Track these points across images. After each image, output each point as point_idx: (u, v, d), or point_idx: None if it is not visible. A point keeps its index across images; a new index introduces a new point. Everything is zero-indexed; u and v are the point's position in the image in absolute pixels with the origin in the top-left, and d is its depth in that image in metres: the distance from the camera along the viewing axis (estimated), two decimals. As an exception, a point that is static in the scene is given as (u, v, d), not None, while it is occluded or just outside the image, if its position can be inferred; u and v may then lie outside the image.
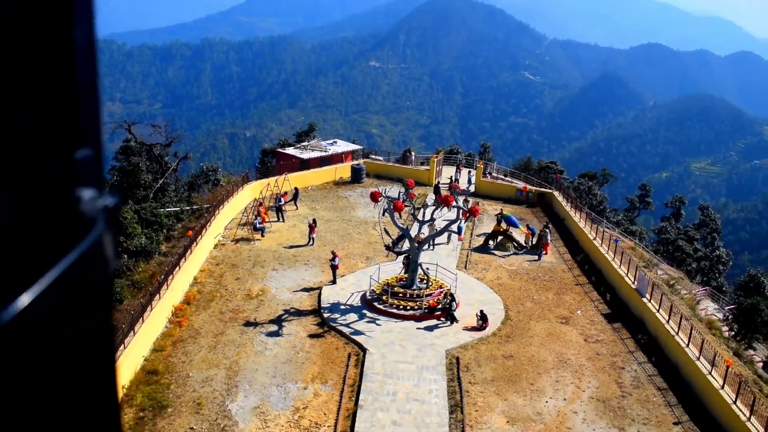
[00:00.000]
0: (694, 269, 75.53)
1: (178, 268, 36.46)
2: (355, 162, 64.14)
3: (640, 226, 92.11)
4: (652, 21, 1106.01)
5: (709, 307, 52.84)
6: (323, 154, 64.81)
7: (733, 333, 46.09)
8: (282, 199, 50.07)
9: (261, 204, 49.36)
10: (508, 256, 45.79)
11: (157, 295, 33.25)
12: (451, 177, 62.67)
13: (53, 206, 1.16)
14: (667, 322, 34.56)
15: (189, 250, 38.35)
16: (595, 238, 47.05)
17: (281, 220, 49.06)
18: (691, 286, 54.32)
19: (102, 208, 1.22)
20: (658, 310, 35.88)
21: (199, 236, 40.59)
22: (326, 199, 55.84)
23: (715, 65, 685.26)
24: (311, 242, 44.97)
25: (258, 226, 45.77)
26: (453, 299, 35.95)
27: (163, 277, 35.06)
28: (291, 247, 44.53)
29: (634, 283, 39.33)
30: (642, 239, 76.62)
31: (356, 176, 60.92)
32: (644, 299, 37.26)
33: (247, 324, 34.58)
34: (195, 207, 52.77)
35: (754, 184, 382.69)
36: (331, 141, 72.36)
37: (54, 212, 1.16)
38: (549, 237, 46.70)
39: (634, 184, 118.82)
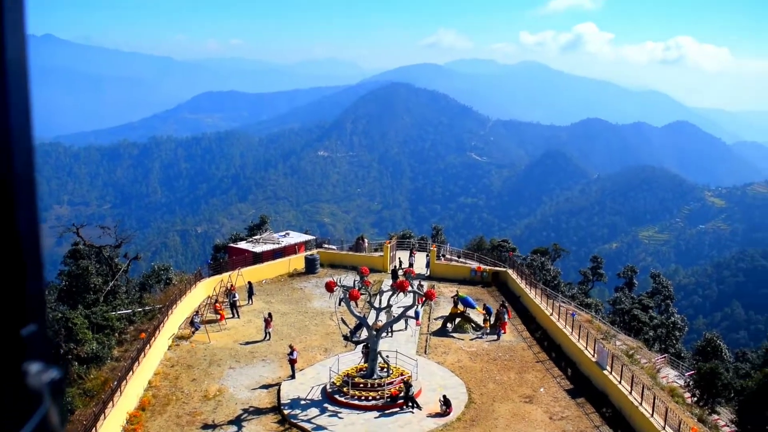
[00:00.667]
0: (652, 337, 76.01)
1: (131, 372, 35.41)
2: (309, 252, 63.90)
3: (595, 298, 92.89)
4: (591, 97, 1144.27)
5: (670, 375, 52.99)
6: (276, 246, 64.45)
7: (695, 399, 46.12)
8: (236, 294, 49.43)
9: (217, 301, 48.60)
10: (473, 339, 45.59)
11: (110, 403, 32.13)
12: (400, 262, 62.68)
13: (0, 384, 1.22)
14: (630, 393, 34.49)
15: (142, 353, 37.38)
16: (552, 314, 47.17)
17: (236, 316, 48.31)
18: (650, 355, 54.53)
19: (48, 382, 1.28)
20: (620, 382, 35.83)
21: (153, 338, 39.65)
22: (281, 291, 55.29)
23: (653, 136, 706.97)
24: (268, 337, 44.24)
25: (195, 323, 44.90)
26: (410, 385, 35.47)
27: (116, 383, 33.97)
28: (247, 343, 43.73)
29: (594, 356, 39.34)
30: (598, 311, 77.16)
31: (310, 267, 60.59)
32: (605, 372, 37.20)
33: (205, 427, 33.55)
34: (147, 308, 51.77)
35: (701, 248, 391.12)
36: (283, 233, 72.19)
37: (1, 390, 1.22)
38: (506, 316, 46.69)
39: (585, 256, 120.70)
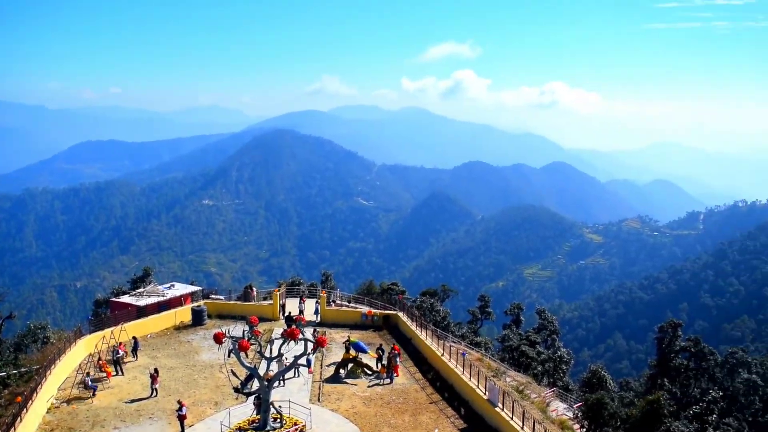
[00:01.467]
0: (540, 372, 77.71)
1: (6, 440, 33.29)
2: (196, 304, 62.22)
3: (485, 336, 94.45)
4: (472, 141, 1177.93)
5: (559, 407, 54.11)
6: (161, 299, 62.50)
7: (584, 430, 47.20)
8: (119, 350, 47.45)
9: (100, 359, 46.48)
10: (371, 385, 45.29)
11: (-15, 475, 30.10)
12: (290, 312, 61.98)
13: None
14: (522, 428, 34.95)
15: (18, 419, 35.15)
16: (443, 354, 47.54)
17: (120, 373, 46.33)
18: (540, 389, 55.67)
19: None
20: (512, 418, 36.27)
21: (30, 401, 37.40)
22: (167, 345, 53.46)
23: (532, 176, 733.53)
24: (154, 393, 42.55)
25: (90, 384, 42.84)
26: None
27: (-10, 452, 31.90)
28: (133, 401, 41.88)
29: (485, 393, 39.76)
30: (488, 349, 78.40)
31: (197, 318, 59.00)
32: (497, 408, 37.62)
33: (90, 493, 31.83)
34: (23, 370, 48.94)
35: (582, 283, 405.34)
36: (168, 285, 70.12)
37: None
38: (398, 359, 46.71)
39: (473, 295, 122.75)
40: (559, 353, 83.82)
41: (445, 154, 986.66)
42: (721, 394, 78.77)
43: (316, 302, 63.57)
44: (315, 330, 52.97)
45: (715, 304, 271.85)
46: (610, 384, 79.44)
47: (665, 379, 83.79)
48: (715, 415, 72.60)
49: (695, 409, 71.97)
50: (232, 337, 36.06)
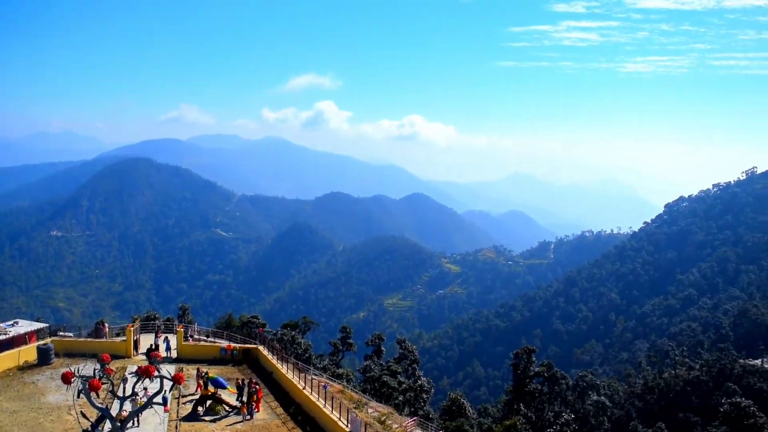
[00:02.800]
0: (402, 402, 78.24)
1: None
2: (42, 342, 58.84)
3: (346, 367, 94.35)
4: (333, 172, 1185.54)
5: (419, 437, 54.51)
6: (2, 337, 58.72)
7: (444, 458, 47.80)
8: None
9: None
10: (220, 419, 44.12)
11: None
12: (151, 345, 59.81)
13: None
14: (384, 459, 35.02)
15: None
16: (304, 388, 47.08)
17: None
18: (401, 419, 55.91)
19: None
20: (374, 450, 36.27)
21: None
22: (9, 387, 50.18)
23: (392, 207, 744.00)
24: (-7, 442, 39.84)
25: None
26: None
27: None
28: (-31, 451, 39.06)
29: (348, 426, 39.61)
30: (349, 381, 78.25)
31: (44, 357, 55.72)
32: (359, 441, 37.52)
33: None
34: None
35: (441, 312, 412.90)
36: (10, 322, 65.93)
37: None
38: (258, 394, 45.87)
39: (335, 327, 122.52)
40: (419, 382, 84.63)
41: (307, 184, 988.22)
42: (573, 416, 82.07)
43: (165, 339, 61.55)
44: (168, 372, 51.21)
45: (566, 330, 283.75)
46: (469, 411, 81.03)
47: (521, 404, 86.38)
48: (567, 437, 75.36)
49: (550, 431, 74.50)
50: (81, 376, 34.29)
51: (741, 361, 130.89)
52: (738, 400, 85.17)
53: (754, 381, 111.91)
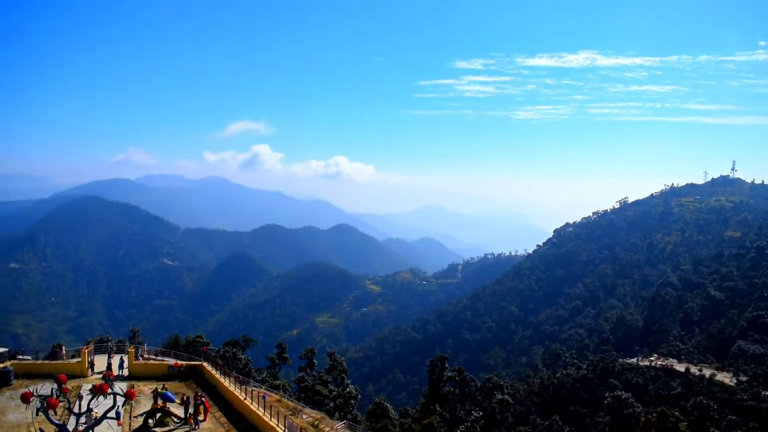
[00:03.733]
0: (332, 407, 77.44)
1: None
2: (2, 365, 56.04)
3: (283, 379, 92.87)
4: (268, 206, 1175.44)
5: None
6: (-36, 364, 55.70)
7: (371, 456, 47.36)
8: None
9: None
10: (170, 431, 42.68)
11: None
12: (110, 363, 57.64)
13: None
14: (318, 459, 34.44)
15: None
16: (245, 399, 46.12)
17: None
18: (333, 423, 55.24)
19: None
20: (308, 451, 35.64)
21: None
22: (-29, 410, 47.53)
23: (320, 237, 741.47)
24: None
25: None
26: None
27: None
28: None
29: (285, 430, 38.90)
30: (286, 391, 77.02)
31: (3, 379, 52.98)
32: (296, 444, 36.86)
33: None
34: None
35: (365, 327, 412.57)
36: (-28, 350, 62.70)
37: None
38: (204, 405, 44.65)
39: (272, 343, 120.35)
40: (347, 390, 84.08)
41: (244, 218, 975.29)
42: (481, 413, 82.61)
43: (120, 359, 59.50)
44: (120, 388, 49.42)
45: (474, 339, 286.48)
46: (392, 413, 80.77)
47: (437, 405, 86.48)
48: (477, 432, 75.72)
49: (462, 428, 74.73)
50: (40, 396, 32.74)
51: (620, 360, 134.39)
52: (619, 393, 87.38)
53: (632, 377, 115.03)
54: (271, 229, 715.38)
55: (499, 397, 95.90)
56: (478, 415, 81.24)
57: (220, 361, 61.79)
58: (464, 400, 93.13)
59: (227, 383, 50.78)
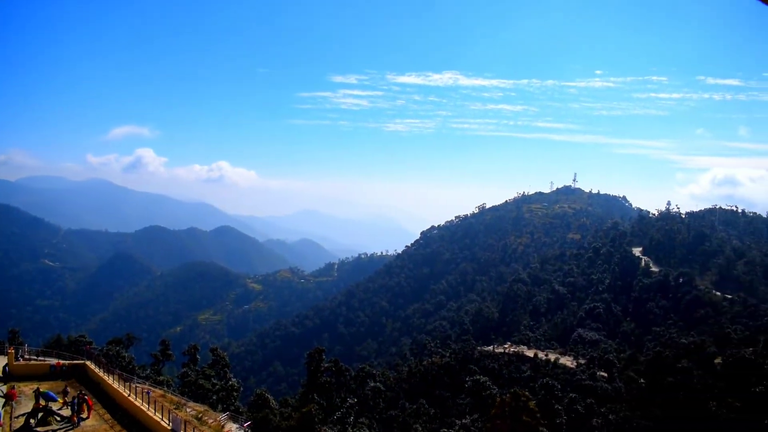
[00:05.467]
0: (215, 400, 75.60)
1: None
2: None
3: (167, 375, 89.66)
4: (151, 208, 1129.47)
5: (233, 428, 52.77)
6: None
7: (253, 445, 46.58)
8: None
9: None
10: (53, 430, 40.01)
11: None
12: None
13: None
14: (202, 450, 33.51)
15: None
16: (129, 395, 44.09)
17: None
18: (216, 415, 53.86)
19: None
20: (193, 443, 34.62)
21: None
22: None
23: (203, 238, 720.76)
24: None
25: None
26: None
27: None
28: None
29: (169, 424, 37.53)
30: (170, 386, 74.48)
31: None
32: (180, 436, 35.70)
33: None
34: None
35: (247, 323, 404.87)
36: None
37: None
38: (87, 403, 42.23)
39: (155, 341, 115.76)
40: (230, 383, 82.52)
41: (128, 220, 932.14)
42: (356, 400, 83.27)
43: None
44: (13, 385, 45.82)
45: (348, 332, 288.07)
46: (272, 403, 79.80)
47: (315, 394, 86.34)
48: (352, 417, 76.31)
49: (338, 414, 75.01)
50: None
51: (479, 348, 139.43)
52: (478, 377, 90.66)
53: (489, 362, 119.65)
54: (155, 230, 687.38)
55: (372, 384, 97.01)
56: (352, 401, 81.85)
57: (103, 360, 58.67)
58: (340, 388, 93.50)
59: (111, 381, 48.36)
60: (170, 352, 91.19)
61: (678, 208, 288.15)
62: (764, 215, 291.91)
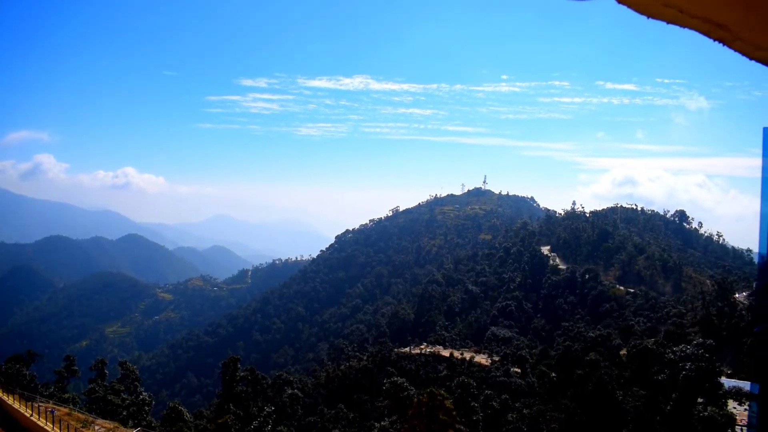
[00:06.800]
0: (126, 416, 72.85)
1: None
2: None
3: (72, 392, 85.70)
4: (53, 217, 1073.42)
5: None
6: None
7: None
8: None
9: None
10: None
11: None
12: None
13: None
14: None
15: None
16: (32, 415, 41.80)
17: None
18: (127, 431, 51.95)
19: None
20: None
21: None
22: None
23: (109, 247, 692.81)
24: None
25: None
26: None
27: None
28: None
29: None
30: (76, 403, 71.18)
31: None
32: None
33: None
34: None
35: (158, 335, 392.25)
36: None
37: None
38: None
39: (59, 356, 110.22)
40: (141, 397, 79.84)
41: (27, 230, 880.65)
42: (273, 408, 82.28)
43: None
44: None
45: (264, 339, 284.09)
46: (186, 416, 77.61)
47: (231, 404, 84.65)
48: (270, 426, 75.32)
49: (255, 423, 73.88)
50: None
51: (396, 350, 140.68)
52: (395, 379, 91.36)
53: (406, 364, 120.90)
54: (57, 240, 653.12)
55: (290, 392, 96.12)
56: (270, 410, 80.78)
57: (1, 379, 55.36)
58: (257, 397, 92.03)
59: (11, 401, 45.70)
60: (75, 367, 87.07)
61: (582, 207, 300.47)
62: (662, 212, 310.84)
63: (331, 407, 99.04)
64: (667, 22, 4.24)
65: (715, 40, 4.06)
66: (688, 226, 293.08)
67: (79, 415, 50.32)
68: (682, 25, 4.10)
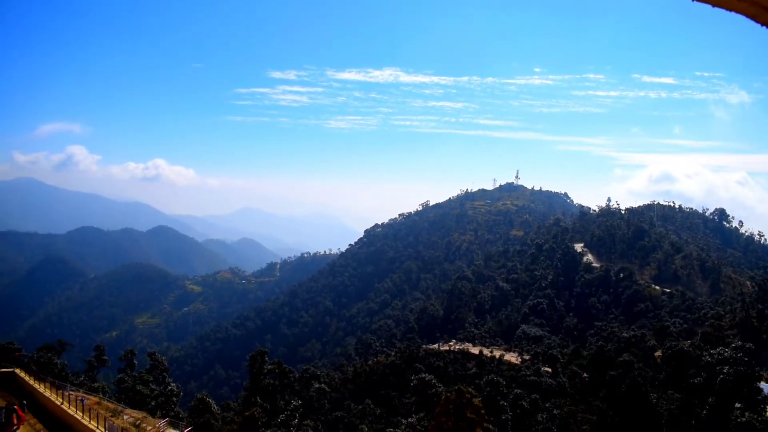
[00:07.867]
0: (154, 406, 74.09)
1: None
2: None
3: (102, 381, 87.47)
4: (84, 208, 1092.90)
5: (170, 435, 51.83)
6: None
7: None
8: None
9: None
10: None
11: None
12: None
13: None
14: (141, 458, 32.79)
15: None
16: (62, 403, 42.75)
17: None
18: (155, 421, 52.76)
19: None
20: (131, 451, 33.82)
21: None
22: None
23: (139, 239, 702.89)
24: None
25: None
26: None
27: None
28: None
29: (106, 432, 36.58)
30: (105, 393, 72.59)
31: None
32: (118, 445, 34.81)
33: None
34: None
35: (186, 326, 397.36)
36: None
37: None
38: (18, 414, 40.67)
39: (89, 346, 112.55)
40: (169, 388, 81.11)
41: (58, 220, 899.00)
42: (300, 402, 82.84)
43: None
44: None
45: (291, 333, 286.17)
46: (214, 408, 78.66)
47: (258, 397, 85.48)
48: (297, 420, 75.90)
49: (282, 417, 74.50)
50: None
51: (424, 346, 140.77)
52: (423, 375, 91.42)
53: (434, 360, 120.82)
54: (88, 231, 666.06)
55: (317, 386, 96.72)
56: (297, 404, 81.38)
57: (34, 367, 56.72)
58: (284, 390, 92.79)
59: (42, 389, 46.79)
60: (105, 357, 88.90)
61: (618, 204, 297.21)
62: (700, 210, 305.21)
63: (358, 402, 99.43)
64: (713, 5, 4.06)
65: (762, 24, 4.22)
66: (728, 225, 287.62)
67: (109, 404, 51.33)
68: (728, 8, 3.91)
